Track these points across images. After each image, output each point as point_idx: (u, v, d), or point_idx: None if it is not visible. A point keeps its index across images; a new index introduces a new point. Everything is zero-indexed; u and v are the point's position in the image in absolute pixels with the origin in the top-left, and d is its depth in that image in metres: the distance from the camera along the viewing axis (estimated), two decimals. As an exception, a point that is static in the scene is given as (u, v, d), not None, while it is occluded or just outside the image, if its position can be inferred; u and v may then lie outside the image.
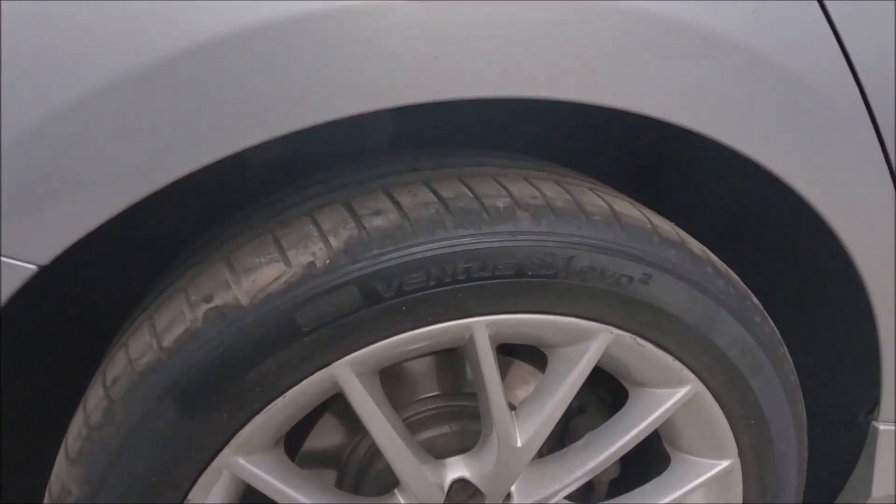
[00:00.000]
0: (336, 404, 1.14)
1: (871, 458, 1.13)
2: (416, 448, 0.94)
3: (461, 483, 1.00)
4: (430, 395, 1.16)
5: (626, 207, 0.89)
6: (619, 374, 1.01)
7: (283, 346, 0.78)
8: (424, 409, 1.16)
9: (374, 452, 1.14)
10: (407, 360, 1.14)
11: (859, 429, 1.15)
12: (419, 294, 0.80)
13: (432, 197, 0.82)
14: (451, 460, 1.00)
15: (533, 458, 1.03)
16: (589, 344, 0.90)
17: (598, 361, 0.98)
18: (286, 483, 0.88)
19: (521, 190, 0.84)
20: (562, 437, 1.24)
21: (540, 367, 1.23)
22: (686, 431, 1.05)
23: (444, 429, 1.13)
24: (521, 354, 1.21)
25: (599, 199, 0.88)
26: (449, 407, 1.17)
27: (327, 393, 0.87)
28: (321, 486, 0.93)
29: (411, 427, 1.14)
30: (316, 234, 0.80)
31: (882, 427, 1.12)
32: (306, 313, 0.77)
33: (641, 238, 0.87)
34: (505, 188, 0.84)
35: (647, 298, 0.88)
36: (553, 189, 0.86)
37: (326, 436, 1.15)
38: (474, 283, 0.81)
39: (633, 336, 0.91)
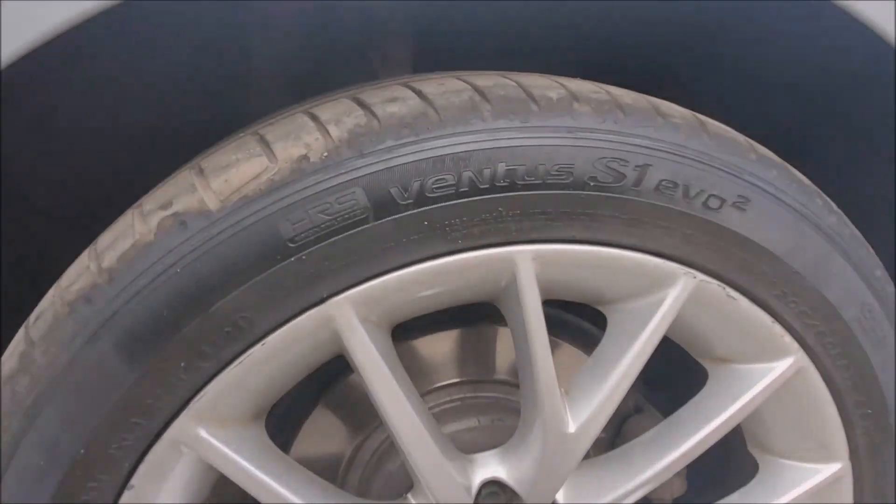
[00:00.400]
0: (333, 392, 0.93)
1: None
2: (440, 437, 0.72)
3: (494, 485, 0.77)
4: (454, 382, 0.94)
5: (708, 119, 0.69)
6: (697, 346, 0.79)
7: (262, 269, 0.58)
8: (447, 399, 0.94)
9: (383, 454, 0.91)
10: (425, 335, 0.93)
11: None
12: (446, 204, 0.60)
13: (464, 85, 0.63)
14: (481, 456, 0.77)
15: (583, 459, 0.81)
16: (664, 294, 0.69)
17: (673, 328, 0.76)
18: (265, 470, 0.66)
19: (578, 84, 0.65)
20: (613, 443, 1.01)
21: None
22: (781, 425, 0.82)
23: (472, 422, 0.90)
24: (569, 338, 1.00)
25: (675, 105, 0.69)
26: (478, 398, 0.95)
27: (323, 350, 0.66)
28: (312, 480, 0.71)
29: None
30: (312, 124, 0.60)
31: None
32: (294, 223, 0.57)
33: (735, 151, 0.67)
34: (557, 81, 0.65)
35: (743, 230, 0.67)
36: (616, 88, 0.67)
37: (321, 434, 0.93)
38: (519, 192, 0.61)
39: (723, 285, 0.70)
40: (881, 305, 0.75)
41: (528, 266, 0.64)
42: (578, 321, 0.98)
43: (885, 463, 0.82)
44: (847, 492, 0.83)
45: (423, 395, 0.93)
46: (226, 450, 0.63)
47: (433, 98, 0.61)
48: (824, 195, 0.72)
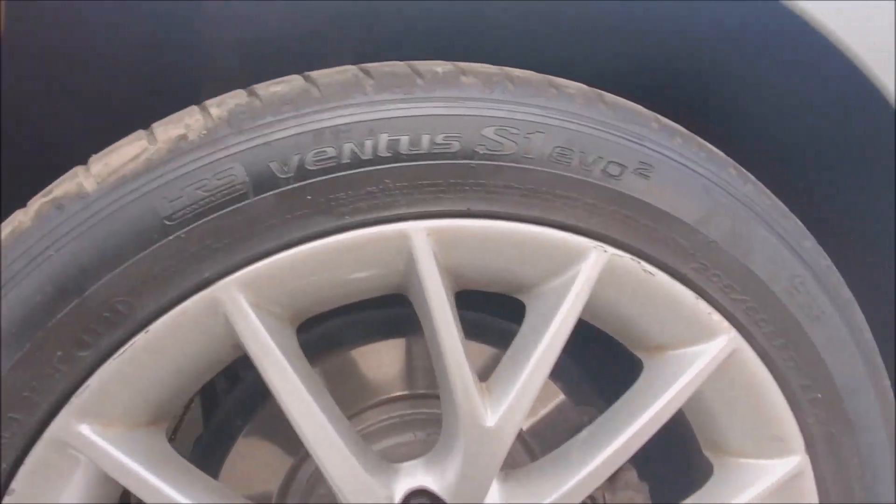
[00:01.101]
0: (265, 410, 0.89)
1: None
2: (358, 444, 0.68)
3: (420, 495, 0.72)
4: (395, 396, 0.90)
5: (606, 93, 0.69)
6: (628, 334, 0.75)
7: (139, 249, 0.57)
8: (386, 416, 0.90)
9: (320, 477, 0.87)
10: (366, 345, 0.90)
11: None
12: (329, 178, 0.59)
13: (352, 68, 0.63)
14: (408, 465, 0.72)
15: (524, 466, 0.77)
16: (576, 271, 0.66)
17: (595, 314, 0.73)
18: (161, 475, 0.62)
19: (470, 64, 0.65)
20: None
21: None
22: (729, 419, 0.77)
23: (408, 437, 0.86)
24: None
25: (576, 83, 0.68)
26: (418, 413, 0.91)
27: (222, 345, 0.64)
28: (216, 488, 0.66)
29: (369, 437, 0.88)
30: (197, 108, 0.61)
31: None
32: (172, 201, 0.56)
33: (635, 120, 0.66)
34: (450, 62, 0.65)
35: (648, 197, 0.65)
36: (515, 70, 0.67)
37: (251, 460, 0.88)
38: (404, 163, 0.60)
39: (637, 259, 0.67)
40: (815, 278, 0.71)
41: (423, 242, 0.62)
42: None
43: (846, 455, 0.76)
44: (809, 489, 0.76)
45: (364, 409, 0.90)
46: (111, 449, 0.60)
47: (317, 78, 0.61)
48: (739, 166, 0.70)
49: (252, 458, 0.87)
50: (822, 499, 0.76)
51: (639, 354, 0.77)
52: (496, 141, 0.61)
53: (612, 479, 0.94)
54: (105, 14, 0.79)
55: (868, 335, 0.75)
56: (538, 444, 0.95)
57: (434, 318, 0.64)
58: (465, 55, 0.72)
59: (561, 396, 0.97)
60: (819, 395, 0.73)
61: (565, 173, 0.63)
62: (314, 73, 0.62)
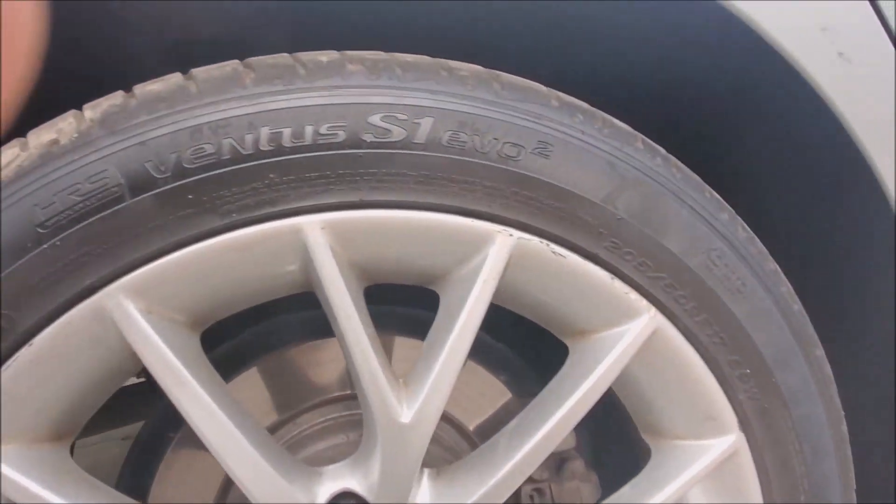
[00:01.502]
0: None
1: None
2: (273, 451, 0.66)
3: (345, 497, 0.70)
4: (330, 397, 0.89)
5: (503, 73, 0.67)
6: (547, 319, 0.73)
7: (13, 259, 0.55)
8: (321, 418, 0.88)
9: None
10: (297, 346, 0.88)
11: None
12: (209, 175, 0.57)
13: (234, 62, 0.61)
14: (332, 468, 0.71)
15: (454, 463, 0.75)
16: (483, 257, 0.64)
17: (513, 301, 0.71)
18: (61, 493, 0.60)
19: (358, 52, 0.64)
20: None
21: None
22: (662, 400, 0.75)
23: (341, 439, 0.84)
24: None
25: (472, 65, 0.66)
26: (353, 414, 0.89)
27: (119, 359, 0.62)
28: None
29: (303, 441, 0.86)
30: (72, 112, 0.59)
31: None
32: (44, 207, 0.55)
33: (532, 98, 0.64)
34: (337, 52, 0.63)
35: (549, 177, 0.63)
36: (405, 55, 0.65)
37: (178, 484, 0.86)
38: (288, 156, 0.58)
39: (545, 241, 0.65)
40: (733, 251, 0.69)
41: (318, 237, 0.60)
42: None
43: (781, 430, 0.74)
44: (747, 467, 0.74)
45: (299, 413, 0.88)
46: (9, 471, 0.58)
47: (197, 74, 0.59)
48: (647, 139, 0.68)
49: (187, 466, 0.85)
50: (760, 476, 0.74)
51: (565, 341, 0.75)
52: (383, 128, 0.59)
53: (559, 470, 0.92)
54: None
55: (796, 306, 0.74)
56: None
57: (336, 314, 0.62)
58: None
59: (507, 392, 0.95)
60: (748, 371, 0.72)
61: (460, 157, 0.61)
62: (196, 70, 0.60)
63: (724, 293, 0.69)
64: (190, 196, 0.57)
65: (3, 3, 0.28)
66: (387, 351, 0.93)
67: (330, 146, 0.59)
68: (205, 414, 0.61)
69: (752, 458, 0.74)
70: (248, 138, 0.57)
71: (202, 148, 0.56)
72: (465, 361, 0.93)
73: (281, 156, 0.58)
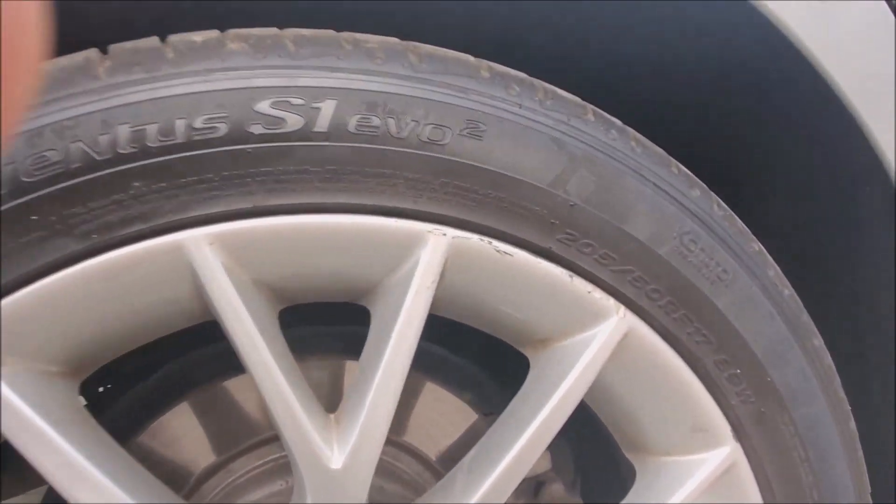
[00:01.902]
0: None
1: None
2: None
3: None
4: (266, 437, 0.77)
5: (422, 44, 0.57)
6: (502, 329, 0.63)
7: None
8: (258, 461, 0.76)
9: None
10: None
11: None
12: (57, 189, 0.46)
13: (90, 51, 0.50)
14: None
15: (409, 504, 0.64)
16: (413, 263, 0.54)
17: (458, 311, 0.61)
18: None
19: (242, 30, 0.53)
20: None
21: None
22: (641, 413, 0.65)
23: (279, 485, 0.73)
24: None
25: (382, 36, 0.56)
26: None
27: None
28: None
29: (238, 490, 0.75)
30: None
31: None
32: None
33: (457, 70, 0.54)
34: (217, 31, 0.53)
35: (485, 162, 0.53)
36: (302, 30, 0.55)
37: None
38: (157, 158, 0.47)
39: (487, 238, 0.55)
40: (710, 232, 0.60)
41: (206, 253, 0.49)
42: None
43: (782, 435, 0.64)
44: (746, 480, 0.64)
45: (232, 458, 0.77)
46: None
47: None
48: (598, 110, 0.58)
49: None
50: (762, 488, 0.64)
51: (525, 352, 0.64)
52: (275, 116, 0.49)
53: (536, 494, 0.82)
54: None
55: (787, 290, 0.64)
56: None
57: (239, 347, 0.51)
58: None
59: (473, 412, 0.85)
60: (738, 371, 0.62)
61: (373, 145, 0.51)
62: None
63: (702, 283, 0.59)
64: (34, 217, 0.46)
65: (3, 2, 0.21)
66: (336, 379, 0.83)
67: (209, 143, 0.48)
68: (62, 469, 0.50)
69: (752, 471, 0.64)
70: (103, 140, 0.46)
71: (44, 156, 0.45)
72: (424, 383, 0.84)
73: (147, 159, 0.47)
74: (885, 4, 0.59)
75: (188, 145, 0.48)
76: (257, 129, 0.49)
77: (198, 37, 0.50)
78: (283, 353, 0.54)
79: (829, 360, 0.66)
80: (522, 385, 0.63)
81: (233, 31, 0.52)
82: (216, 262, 0.50)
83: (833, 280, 0.80)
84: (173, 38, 0.50)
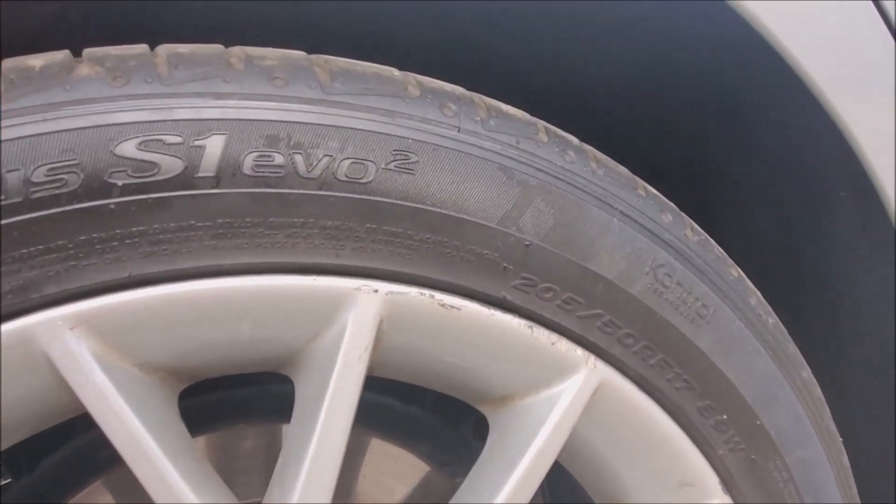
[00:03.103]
0: None
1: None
2: None
3: None
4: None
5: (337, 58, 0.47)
6: (458, 388, 0.53)
7: None
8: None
9: None
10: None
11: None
12: None
13: None
14: None
15: None
16: (342, 325, 0.44)
17: (405, 372, 0.51)
18: None
19: (98, 50, 0.42)
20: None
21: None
22: (621, 471, 0.56)
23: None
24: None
25: (284, 50, 0.46)
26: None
27: None
28: None
29: None
30: None
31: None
32: None
33: (378, 91, 0.44)
34: (65, 52, 0.41)
35: (419, 201, 0.44)
36: (177, 46, 0.44)
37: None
38: (-17, 226, 0.36)
39: (427, 291, 0.45)
40: (685, 263, 0.52)
41: (69, 343, 0.38)
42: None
43: (776, 483, 0.57)
44: (740, 537, 0.57)
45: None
46: None
47: None
48: (552, 127, 0.49)
49: None
50: (758, 545, 0.57)
51: (483, 411, 0.55)
52: (144, 160, 0.38)
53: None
54: None
55: (772, 319, 0.57)
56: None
57: (119, 450, 0.41)
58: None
59: (429, 465, 0.75)
60: (725, 416, 0.54)
61: (277, 189, 0.41)
62: None
63: (681, 322, 0.51)
64: None
65: None
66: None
67: (56, 200, 0.37)
68: None
69: (745, 525, 0.57)
70: None
71: None
72: (369, 440, 0.74)
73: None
74: (870, 4, 0.52)
75: (26, 205, 0.36)
76: (121, 179, 0.38)
77: (37, 61, 0.39)
78: (181, 447, 0.44)
79: (818, 392, 0.59)
80: (483, 450, 0.54)
81: (87, 51, 0.40)
82: (82, 349, 0.39)
83: (810, 288, 0.75)
84: (6, 65, 0.39)
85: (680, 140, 0.77)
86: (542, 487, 0.87)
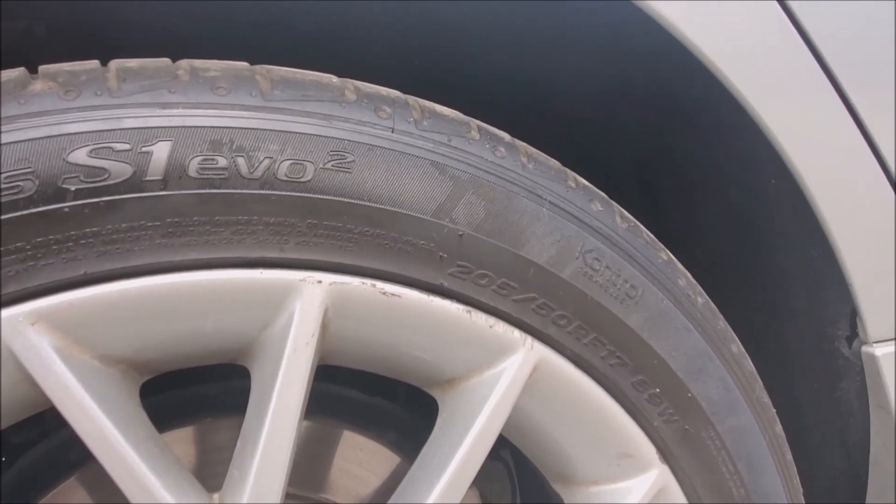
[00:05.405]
0: None
1: (884, 406, 0.69)
2: None
3: None
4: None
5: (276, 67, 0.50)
6: (405, 372, 0.57)
7: None
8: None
9: None
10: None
11: (846, 364, 0.72)
12: None
13: None
14: None
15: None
16: (289, 315, 0.47)
17: (356, 359, 0.55)
18: None
19: (52, 66, 0.45)
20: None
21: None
22: (563, 444, 0.60)
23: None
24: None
25: (225, 62, 0.49)
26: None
27: None
28: None
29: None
30: None
31: (880, 350, 0.70)
32: None
33: (314, 96, 0.47)
34: (21, 70, 0.45)
35: (357, 197, 0.47)
36: (127, 61, 0.47)
37: None
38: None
39: (369, 280, 0.49)
40: (614, 248, 0.55)
41: (30, 337, 0.41)
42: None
43: (709, 451, 0.61)
44: (679, 501, 0.61)
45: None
46: None
47: None
48: (484, 125, 0.53)
49: None
50: (696, 511, 0.61)
51: (433, 394, 0.59)
52: (95, 167, 0.41)
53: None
54: None
55: (700, 298, 0.61)
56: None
57: (84, 439, 0.44)
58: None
59: (397, 455, 0.78)
60: (658, 390, 0.58)
61: (222, 190, 0.44)
62: None
63: (611, 303, 0.55)
64: None
65: None
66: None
67: (14, 205, 0.40)
68: None
69: (683, 492, 0.61)
70: None
71: None
72: (341, 432, 0.77)
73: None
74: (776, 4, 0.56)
75: (-13, 210, 0.40)
76: (73, 185, 0.41)
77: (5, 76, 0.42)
78: (144, 436, 0.47)
79: (749, 365, 0.63)
80: (433, 430, 0.57)
81: (42, 68, 0.44)
82: (43, 343, 0.42)
83: (749, 278, 0.79)
84: (-35, 82, 0.42)
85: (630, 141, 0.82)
86: (513, 488, 0.91)
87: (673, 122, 0.74)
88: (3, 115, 0.40)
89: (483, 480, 0.83)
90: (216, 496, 0.51)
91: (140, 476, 0.45)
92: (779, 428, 0.65)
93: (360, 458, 0.76)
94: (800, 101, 0.61)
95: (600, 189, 0.58)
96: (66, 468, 0.70)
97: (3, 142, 0.40)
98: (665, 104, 0.72)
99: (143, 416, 0.49)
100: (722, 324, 0.62)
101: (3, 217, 0.40)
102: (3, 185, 0.40)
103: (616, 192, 0.62)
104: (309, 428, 0.73)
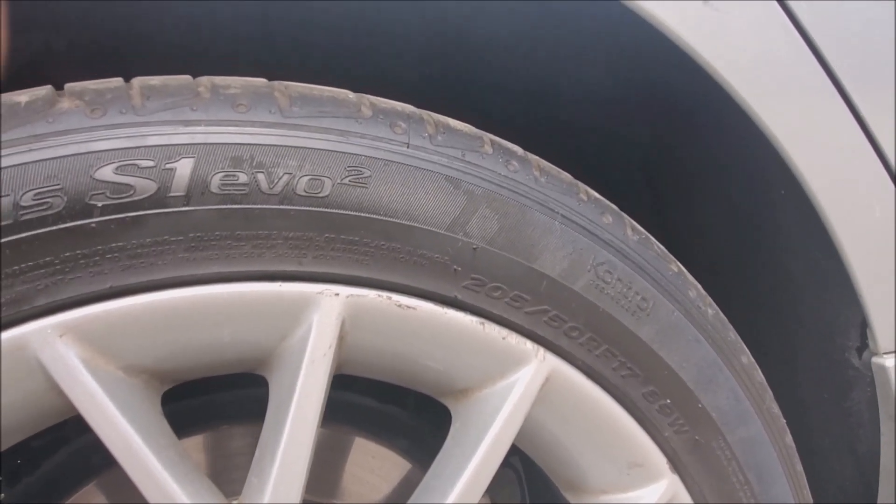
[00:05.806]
0: None
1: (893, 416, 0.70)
2: None
3: None
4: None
5: (294, 83, 0.51)
6: (420, 382, 0.58)
7: None
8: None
9: None
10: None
11: (856, 375, 0.72)
12: None
13: None
14: None
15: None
16: (307, 327, 0.48)
17: (371, 369, 0.56)
18: None
19: (77, 84, 0.46)
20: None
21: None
22: (575, 453, 0.61)
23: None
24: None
25: (244, 78, 0.50)
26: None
27: None
28: None
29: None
30: None
31: (891, 361, 0.70)
32: None
33: (331, 112, 0.48)
34: (48, 88, 0.46)
35: (373, 212, 0.48)
36: (150, 78, 0.48)
37: None
38: (-22, 246, 0.40)
39: (385, 293, 0.50)
40: (626, 261, 0.56)
41: (59, 349, 0.43)
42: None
43: (719, 461, 0.61)
44: (689, 513, 0.61)
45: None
46: None
47: None
48: (497, 139, 0.54)
49: None
50: (706, 521, 0.62)
51: (446, 403, 0.60)
52: (121, 183, 0.42)
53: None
54: None
55: (711, 310, 0.61)
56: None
57: (109, 447, 0.45)
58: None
59: (409, 462, 0.79)
60: (668, 401, 0.58)
61: (242, 205, 0.45)
62: None
63: (623, 315, 0.56)
64: None
65: None
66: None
67: (44, 221, 0.41)
68: None
69: (694, 502, 0.61)
70: None
71: None
72: (354, 438, 0.78)
73: (-36, 248, 0.40)
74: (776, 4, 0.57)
75: (17, 227, 0.41)
76: (100, 201, 0.42)
77: (22, 97, 0.43)
78: (165, 444, 0.48)
79: (759, 376, 0.64)
80: (446, 439, 0.58)
81: (68, 86, 0.45)
82: (70, 354, 0.43)
83: (756, 284, 0.79)
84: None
85: (636, 145, 0.82)
86: (521, 489, 0.91)
87: (675, 126, 0.74)
88: (32, 134, 0.42)
89: (493, 486, 0.84)
90: (234, 501, 0.52)
91: (162, 483, 0.46)
92: (789, 439, 0.66)
93: (372, 465, 0.77)
94: (801, 103, 0.61)
95: (605, 196, 0.58)
96: (88, 473, 0.72)
97: (32, 160, 0.41)
98: (666, 107, 0.73)
99: (165, 424, 0.50)
100: (732, 335, 0.63)
101: (33, 233, 0.41)
102: (34, 202, 0.41)
103: (621, 198, 0.63)
104: (322, 434, 0.74)
